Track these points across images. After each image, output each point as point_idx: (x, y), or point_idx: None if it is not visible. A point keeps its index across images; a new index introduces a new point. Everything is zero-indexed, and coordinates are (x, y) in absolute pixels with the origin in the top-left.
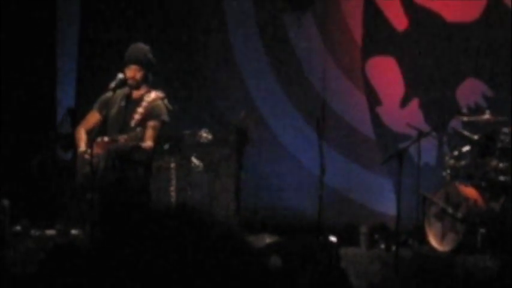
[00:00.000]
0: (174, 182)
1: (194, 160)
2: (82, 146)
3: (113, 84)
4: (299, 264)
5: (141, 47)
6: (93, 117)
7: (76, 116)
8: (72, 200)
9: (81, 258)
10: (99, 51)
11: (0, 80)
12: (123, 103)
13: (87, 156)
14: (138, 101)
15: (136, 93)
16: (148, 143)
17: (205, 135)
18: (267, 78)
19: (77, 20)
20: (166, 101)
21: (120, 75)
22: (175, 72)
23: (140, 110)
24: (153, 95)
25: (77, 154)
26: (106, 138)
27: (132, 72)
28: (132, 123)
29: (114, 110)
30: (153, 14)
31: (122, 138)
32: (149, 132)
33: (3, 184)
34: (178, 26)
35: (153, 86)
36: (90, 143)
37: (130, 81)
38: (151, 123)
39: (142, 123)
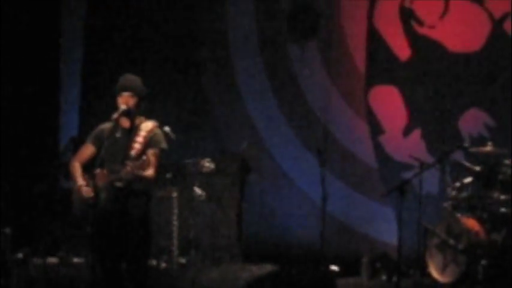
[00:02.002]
0: (176, 211)
1: (196, 189)
2: (80, 181)
3: (115, 115)
4: None
5: (132, 76)
6: (87, 150)
7: (79, 145)
8: (71, 232)
9: None
10: (103, 81)
11: (4, 107)
12: (118, 134)
13: (86, 190)
14: (135, 131)
15: (131, 123)
16: (150, 172)
17: (207, 164)
18: (270, 107)
19: (80, 47)
20: (168, 128)
21: (123, 107)
22: (178, 102)
23: (139, 139)
24: (150, 124)
25: (74, 188)
26: (105, 170)
27: (125, 99)
28: (133, 153)
29: (109, 142)
30: (154, 45)
31: (129, 166)
32: (150, 161)
33: (5, 212)
34: (181, 55)
35: (147, 116)
36: (89, 175)
37: (123, 109)
38: (151, 151)
39: (143, 152)
